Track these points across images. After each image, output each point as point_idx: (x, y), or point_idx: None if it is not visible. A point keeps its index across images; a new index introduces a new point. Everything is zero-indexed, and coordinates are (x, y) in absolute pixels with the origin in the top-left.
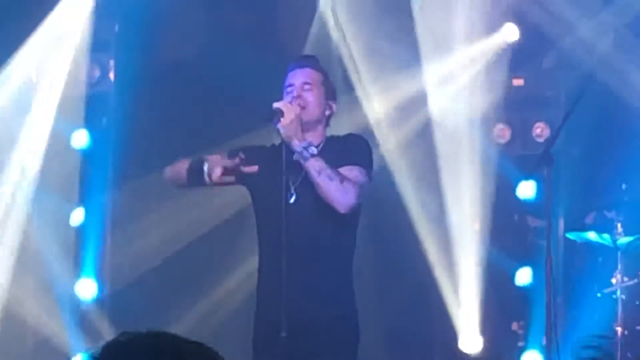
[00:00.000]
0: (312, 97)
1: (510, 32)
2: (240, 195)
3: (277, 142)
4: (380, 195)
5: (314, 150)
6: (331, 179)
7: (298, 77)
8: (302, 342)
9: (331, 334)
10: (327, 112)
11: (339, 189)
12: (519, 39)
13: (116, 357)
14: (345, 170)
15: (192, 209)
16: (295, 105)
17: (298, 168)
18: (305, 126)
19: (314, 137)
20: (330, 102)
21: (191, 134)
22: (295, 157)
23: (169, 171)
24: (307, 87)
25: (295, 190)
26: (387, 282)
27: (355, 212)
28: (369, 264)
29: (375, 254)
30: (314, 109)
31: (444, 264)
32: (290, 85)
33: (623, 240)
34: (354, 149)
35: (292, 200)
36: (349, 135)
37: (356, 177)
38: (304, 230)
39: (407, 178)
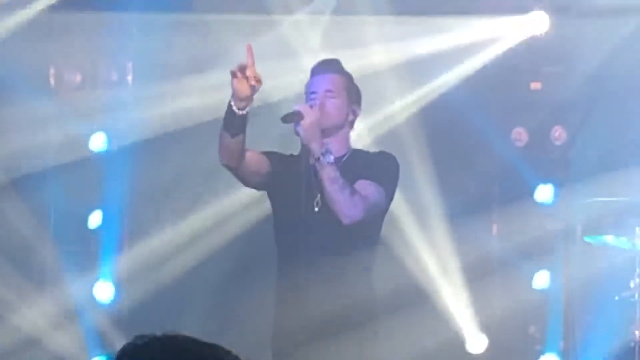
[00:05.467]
0: (334, 105)
1: (539, 21)
2: (258, 199)
3: (298, 151)
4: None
5: (330, 158)
6: (342, 190)
7: (321, 84)
8: (320, 346)
9: (349, 338)
10: (351, 117)
11: (346, 201)
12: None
13: None
14: (361, 184)
15: (209, 213)
16: (317, 110)
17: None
18: (326, 132)
19: (337, 144)
20: (354, 107)
21: (210, 136)
22: (311, 161)
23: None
24: (330, 94)
25: (320, 198)
26: (394, 285)
27: (377, 221)
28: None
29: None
30: (336, 117)
31: (452, 266)
32: (313, 92)
33: None
34: (379, 166)
35: (316, 209)
36: (380, 152)
37: (370, 194)
38: (325, 237)
39: (423, 180)
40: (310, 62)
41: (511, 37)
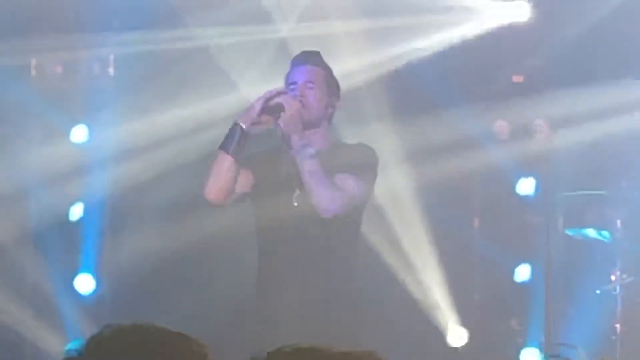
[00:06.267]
0: (314, 97)
1: (519, 10)
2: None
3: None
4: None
5: (311, 151)
6: (322, 184)
7: (301, 75)
8: (302, 340)
9: (331, 332)
10: (330, 110)
11: (326, 195)
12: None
13: (101, 351)
14: (340, 178)
15: (191, 204)
16: (298, 102)
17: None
18: (306, 124)
19: (316, 135)
20: (333, 99)
21: (191, 128)
22: (291, 153)
23: (209, 184)
24: (310, 85)
25: (299, 192)
26: (373, 279)
27: (357, 215)
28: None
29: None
30: (316, 108)
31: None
32: (293, 83)
33: (622, 237)
34: (358, 159)
35: (296, 203)
36: (358, 144)
37: (349, 187)
38: (305, 232)
39: (403, 172)
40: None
41: (489, 20)
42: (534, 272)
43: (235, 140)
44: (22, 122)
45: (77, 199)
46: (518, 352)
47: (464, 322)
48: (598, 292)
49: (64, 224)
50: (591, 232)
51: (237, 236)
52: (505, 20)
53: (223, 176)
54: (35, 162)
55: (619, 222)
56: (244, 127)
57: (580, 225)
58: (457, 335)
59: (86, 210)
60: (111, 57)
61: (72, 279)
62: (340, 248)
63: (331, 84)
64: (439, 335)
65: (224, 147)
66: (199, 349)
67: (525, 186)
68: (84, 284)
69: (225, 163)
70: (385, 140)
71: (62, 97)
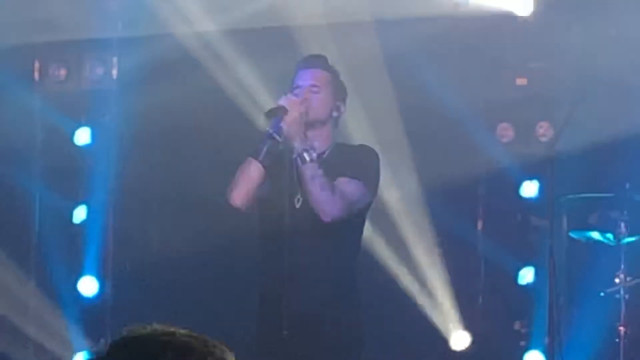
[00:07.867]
0: (318, 100)
1: (522, 4)
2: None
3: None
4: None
5: (313, 155)
6: (322, 188)
7: (306, 79)
8: (305, 341)
9: (333, 334)
10: (335, 114)
11: (326, 199)
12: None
13: (125, 354)
14: (342, 182)
15: (194, 206)
16: (301, 105)
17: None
18: (310, 127)
19: (320, 138)
20: (339, 103)
21: (193, 131)
22: (293, 157)
23: (237, 184)
24: (314, 89)
25: (301, 195)
26: (377, 281)
27: (359, 218)
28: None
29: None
30: (320, 112)
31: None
32: (298, 87)
33: (626, 239)
34: (360, 161)
35: (298, 205)
36: (360, 146)
37: (350, 191)
38: (307, 233)
39: (407, 175)
40: None
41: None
42: (537, 275)
43: (267, 148)
44: (26, 124)
45: (81, 202)
46: (522, 355)
47: (468, 325)
48: (602, 294)
49: (67, 226)
50: (595, 235)
51: (241, 239)
52: (506, 9)
53: (252, 183)
54: (39, 165)
55: (622, 224)
56: (278, 138)
57: (584, 227)
58: (460, 339)
59: (90, 213)
60: (114, 59)
61: (76, 281)
62: (341, 251)
63: (337, 87)
64: (442, 338)
65: (255, 155)
66: (222, 353)
67: (529, 189)
68: (88, 286)
69: (256, 171)
70: (389, 143)
71: (65, 100)
